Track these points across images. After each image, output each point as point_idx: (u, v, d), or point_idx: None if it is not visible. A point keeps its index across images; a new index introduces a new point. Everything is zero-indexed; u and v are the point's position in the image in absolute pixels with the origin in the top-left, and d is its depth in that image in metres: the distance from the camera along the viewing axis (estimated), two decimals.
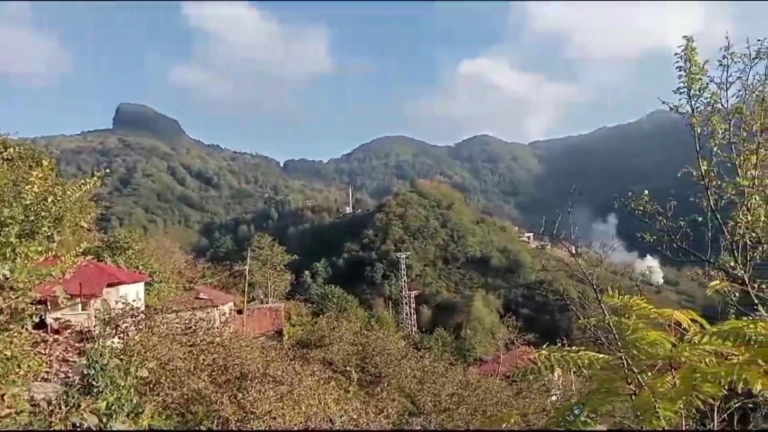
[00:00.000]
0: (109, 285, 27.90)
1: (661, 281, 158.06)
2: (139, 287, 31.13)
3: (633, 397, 3.74)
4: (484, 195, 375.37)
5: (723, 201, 6.84)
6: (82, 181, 12.16)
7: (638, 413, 3.47)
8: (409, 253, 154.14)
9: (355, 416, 21.41)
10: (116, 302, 20.50)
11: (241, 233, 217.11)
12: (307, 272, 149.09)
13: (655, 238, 7.42)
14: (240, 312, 45.70)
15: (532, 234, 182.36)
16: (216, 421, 17.74)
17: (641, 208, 7.45)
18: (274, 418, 17.32)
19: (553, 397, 38.45)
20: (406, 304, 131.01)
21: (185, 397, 17.58)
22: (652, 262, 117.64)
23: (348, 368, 33.20)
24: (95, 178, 12.35)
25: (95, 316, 19.18)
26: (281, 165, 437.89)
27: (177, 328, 19.43)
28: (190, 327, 19.65)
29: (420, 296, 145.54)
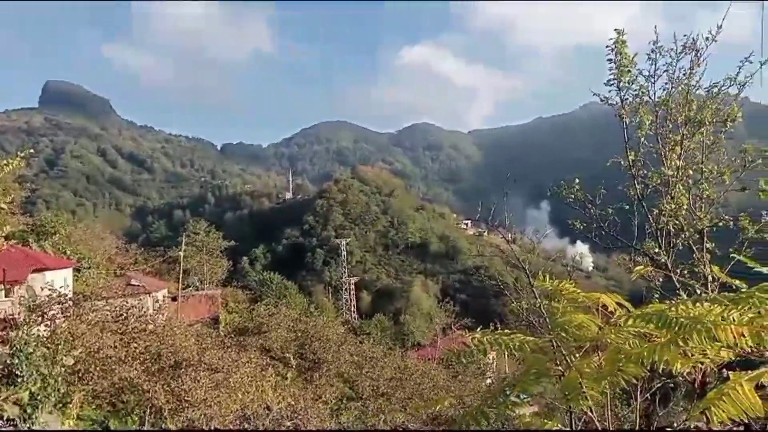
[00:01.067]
0: (35, 271, 26.68)
1: (591, 267, 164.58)
2: (67, 273, 29.81)
3: (561, 378, 3.86)
4: (424, 182, 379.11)
5: (649, 190, 7.14)
6: (5, 161, 11.52)
7: (566, 393, 3.58)
8: (349, 239, 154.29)
9: (292, 402, 21.35)
10: (42, 289, 19.56)
11: (176, 218, 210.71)
12: (245, 258, 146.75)
13: (584, 225, 7.68)
14: (174, 299, 44.59)
15: (470, 221, 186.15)
16: (148, 410, 17.29)
17: (572, 196, 7.68)
18: (210, 406, 17.04)
19: (488, 380, 39.57)
20: (346, 290, 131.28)
21: (116, 386, 17.02)
22: (582, 248, 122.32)
23: (286, 355, 33.00)
24: (19, 159, 11.73)
25: (20, 303, 18.23)
26: (218, 148, 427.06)
27: (107, 315, 18.73)
28: (121, 314, 18.98)
29: (360, 282, 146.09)
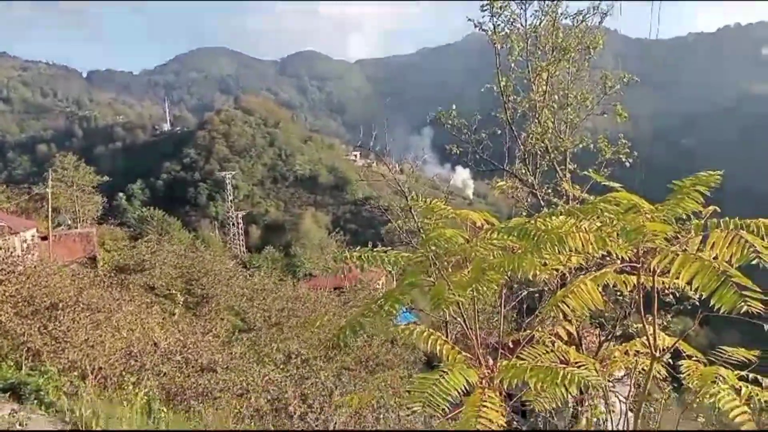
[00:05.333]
0: None
1: (472, 194, 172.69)
2: None
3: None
4: (311, 113, 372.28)
5: (518, 114, 7.58)
6: None
7: (434, 300, 3.87)
8: (235, 172, 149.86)
9: (181, 338, 21.07)
10: None
11: (40, 153, 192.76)
12: (121, 195, 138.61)
13: (461, 150, 8.04)
14: (45, 239, 41.67)
15: (358, 152, 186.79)
16: (25, 354, 16.41)
17: (450, 122, 7.98)
18: (92, 346, 16.44)
19: None
20: (233, 224, 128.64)
21: None
22: (465, 175, 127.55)
23: (172, 292, 32.18)
24: None
25: None
26: (84, 76, 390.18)
27: None
28: None
29: (248, 216, 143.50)
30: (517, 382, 4.24)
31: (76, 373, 15.75)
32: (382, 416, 19.22)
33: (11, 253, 18.88)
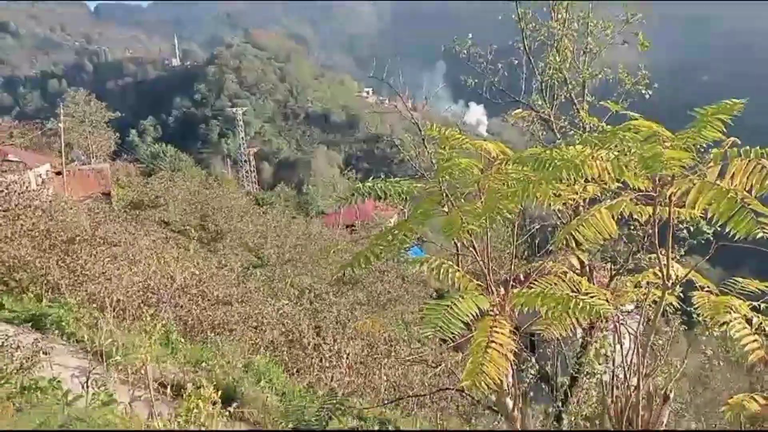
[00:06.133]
0: None
1: (485, 132, 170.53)
2: None
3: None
4: (323, 48, 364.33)
5: (536, 44, 7.33)
6: None
7: (446, 229, 3.85)
8: (246, 108, 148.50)
9: (197, 272, 21.45)
10: None
11: (51, 88, 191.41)
12: (133, 131, 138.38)
13: (476, 81, 7.83)
14: (59, 174, 42.00)
15: (370, 89, 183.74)
16: (45, 287, 16.83)
17: (465, 51, 7.73)
18: (110, 279, 16.78)
19: None
20: (245, 161, 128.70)
21: (6, 264, 16.31)
22: (479, 112, 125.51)
23: (187, 227, 32.63)
24: None
25: None
26: (92, 10, 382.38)
27: None
28: (1, 191, 17.72)
29: (260, 153, 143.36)
30: (527, 313, 4.27)
31: (94, 305, 16.18)
32: (393, 348, 19.74)
33: (26, 187, 19.05)
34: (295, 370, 18.18)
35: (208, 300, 19.33)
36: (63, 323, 14.39)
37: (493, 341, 3.34)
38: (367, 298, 28.72)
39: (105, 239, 18.53)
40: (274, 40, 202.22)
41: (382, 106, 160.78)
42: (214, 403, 9.18)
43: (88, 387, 9.69)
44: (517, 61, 7.57)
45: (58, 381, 9.71)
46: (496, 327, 3.45)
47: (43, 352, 10.46)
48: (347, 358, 18.18)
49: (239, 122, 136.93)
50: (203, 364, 14.48)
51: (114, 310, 15.32)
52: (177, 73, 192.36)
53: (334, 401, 7.17)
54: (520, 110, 5.59)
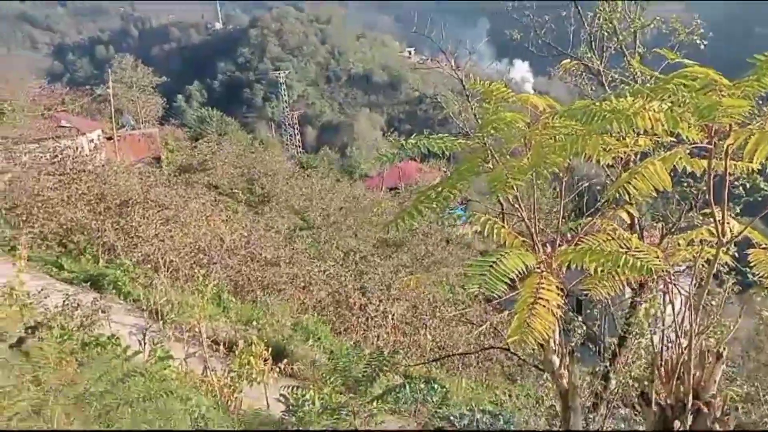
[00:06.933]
0: None
1: (531, 90, 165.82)
2: None
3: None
4: (362, 7, 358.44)
5: None
6: None
7: (491, 185, 3.79)
8: (288, 71, 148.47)
9: (245, 234, 21.96)
10: None
11: (99, 55, 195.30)
12: (179, 96, 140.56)
13: (522, 35, 7.58)
14: (110, 139, 43.15)
15: (413, 49, 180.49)
16: (101, 248, 17.56)
17: (510, 4, 7.48)
18: (162, 240, 17.38)
19: None
20: (289, 125, 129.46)
21: (64, 227, 17.06)
22: (523, 69, 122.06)
23: (234, 190, 33.30)
24: None
25: None
26: None
27: (42, 158, 18.15)
28: (57, 156, 18.41)
29: (303, 117, 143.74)
30: (573, 273, 4.20)
31: (149, 266, 16.83)
32: (438, 308, 19.89)
33: (80, 152, 19.71)
34: (342, 329, 18.61)
35: (257, 261, 19.85)
36: (120, 283, 15.07)
37: (539, 297, 3.31)
38: (411, 260, 28.90)
39: (156, 202, 19.10)
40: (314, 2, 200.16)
41: (424, 65, 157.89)
42: (265, 360, 9.54)
43: (145, 343, 10.16)
44: (564, 13, 7.27)
45: (117, 338, 10.20)
46: (542, 283, 3.40)
47: (102, 311, 10.97)
48: (392, 318, 18.45)
49: (282, 86, 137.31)
50: (254, 323, 15.01)
51: (167, 271, 15.93)
52: (220, 36, 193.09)
53: (381, 359, 7.28)
54: (568, 60, 5.37)
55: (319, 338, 15.96)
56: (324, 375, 7.83)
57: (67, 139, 27.52)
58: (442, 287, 21.57)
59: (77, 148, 20.06)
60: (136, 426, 5.35)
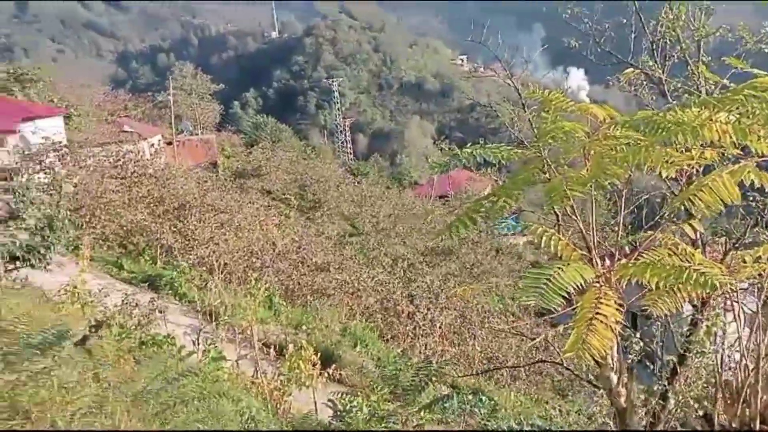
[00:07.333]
0: (25, 120, 26.18)
1: (587, 99, 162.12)
2: (58, 121, 29.25)
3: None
4: (417, 12, 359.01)
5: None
6: None
7: (548, 196, 3.71)
8: (341, 79, 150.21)
9: (296, 239, 22.31)
10: (32, 133, 19.49)
11: (160, 62, 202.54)
12: (236, 103, 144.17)
13: (580, 42, 7.42)
14: (170, 144, 44.57)
15: (465, 56, 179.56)
16: (159, 250, 18.17)
17: (568, 10, 7.33)
18: (217, 243, 17.84)
19: None
20: (341, 132, 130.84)
21: (124, 228, 17.73)
22: (579, 77, 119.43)
23: (287, 196, 33.90)
24: None
25: (15, 152, 18.31)
26: None
27: (105, 161, 18.93)
28: (119, 160, 19.17)
29: (355, 124, 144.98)
30: (631, 289, 4.06)
31: (204, 268, 17.28)
32: (487, 319, 19.63)
33: (141, 156, 20.43)
34: (389, 336, 18.58)
35: (307, 266, 20.10)
36: (176, 284, 15.55)
37: (598, 312, 3.22)
38: (460, 269, 28.65)
39: (212, 206, 19.64)
40: (367, 9, 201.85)
41: (477, 73, 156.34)
42: (314, 365, 9.63)
43: (199, 344, 10.44)
44: (624, 20, 7.07)
45: (172, 337, 10.51)
46: (601, 298, 3.31)
47: (159, 311, 11.34)
48: (441, 327, 18.31)
49: (335, 93, 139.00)
50: (303, 327, 15.18)
51: (221, 273, 16.34)
52: (276, 45, 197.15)
53: (429, 369, 7.24)
54: (630, 69, 5.22)
55: (366, 345, 15.99)
56: (372, 382, 7.84)
57: (129, 144, 28.63)
58: (492, 297, 21.28)
59: (139, 153, 20.82)
60: (190, 425, 5.49)
